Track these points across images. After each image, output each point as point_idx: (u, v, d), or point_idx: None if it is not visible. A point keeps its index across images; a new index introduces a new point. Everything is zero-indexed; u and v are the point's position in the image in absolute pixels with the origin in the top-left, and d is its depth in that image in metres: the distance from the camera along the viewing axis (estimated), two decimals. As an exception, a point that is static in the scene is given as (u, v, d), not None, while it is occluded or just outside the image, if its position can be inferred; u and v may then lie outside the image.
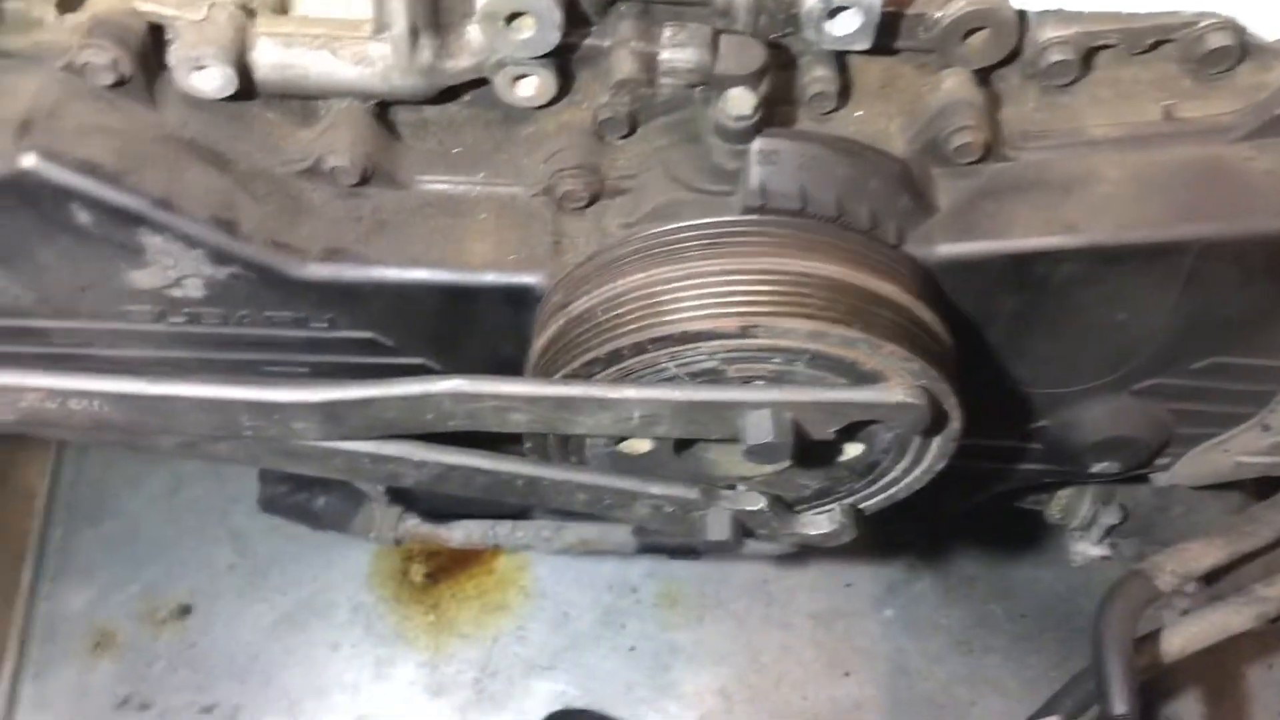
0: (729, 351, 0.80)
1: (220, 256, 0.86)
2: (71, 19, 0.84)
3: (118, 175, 0.82)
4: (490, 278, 0.90)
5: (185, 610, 1.94)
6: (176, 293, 0.90)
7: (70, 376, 0.78)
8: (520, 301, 0.91)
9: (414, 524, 1.25)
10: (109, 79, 0.82)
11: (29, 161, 0.80)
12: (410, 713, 1.88)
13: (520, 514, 1.27)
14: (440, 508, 1.27)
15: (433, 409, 0.80)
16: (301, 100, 0.92)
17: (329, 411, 0.80)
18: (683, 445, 0.90)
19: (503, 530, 1.25)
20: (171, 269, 0.88)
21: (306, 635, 1.94)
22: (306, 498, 1.24)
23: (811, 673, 1.92)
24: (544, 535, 1.24)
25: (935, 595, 1.98)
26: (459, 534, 1.26)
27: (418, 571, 1.99)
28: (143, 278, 0.89)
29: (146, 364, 0.96)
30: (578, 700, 1.88)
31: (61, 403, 0.79)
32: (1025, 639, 1.94)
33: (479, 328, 0.93)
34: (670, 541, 1.26)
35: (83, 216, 0.83)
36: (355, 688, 1.90)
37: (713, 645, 1.93)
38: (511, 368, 0.94)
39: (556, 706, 1.86)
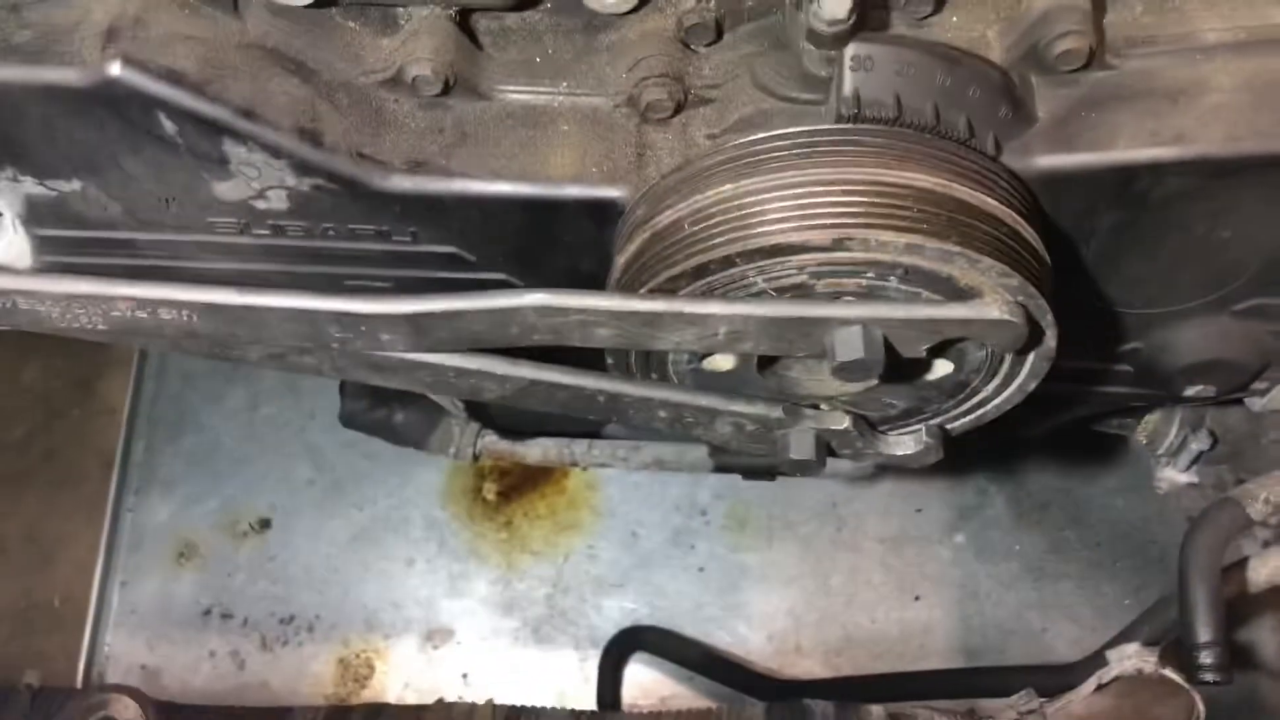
0: (819, 265, 0.78)
1: (304, 168, 0.86)
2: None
3: (202, 84, 0.82)
4: (572, 191, 0.88)
5: (265, 523, 1.99)
6: (260, 205, 0.90)
7: (161, 286, 0.79)
8: (603, 215, 0.89)
9: (491, 440, 1.26)
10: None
11: (115, 69, 0.80)
12: (484, 627, 1.92)
13: (597, 432, 1.27)
14: (517, 425, 1.27)
15: (518, 322, 0.79)
16: (382, 8, 0.90)
17: (416, 323, 0.79)
18: (766, 363, 0.88)
19: (579, 448, 1.25)
20: (255, 180, 0.87)
21: (382, 550, 1.98)
22: (386, 413, 1.25)
23: (880, 596, 1.92)
24: (620, 454, 1.24)
25: (1007, 521, 1.96)
26: (536, 451, 1.27)
27: (490, 489, 2.02)
28: (227, 189, 0.89)
29: (231, 277, 0.96)
30: (647, 618, 1.90)
31: (152, 313, 0.80)
32: (1099, 566, 1.91)
33: (560, 242, 0.92)
34: (746, 462, 1.25)
35: (168, 126, 0.83)
36: (430, 602, 1.94)
37: (781, 567, 1.94)
38: (593, 283, 0.93)
39: (627, 623, 1.88)
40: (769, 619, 1.91)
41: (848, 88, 0.80)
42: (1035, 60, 0.85)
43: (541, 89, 0.91)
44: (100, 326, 0.81)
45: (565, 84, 0.91)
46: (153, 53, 0.81)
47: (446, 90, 0.89)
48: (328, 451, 2.03)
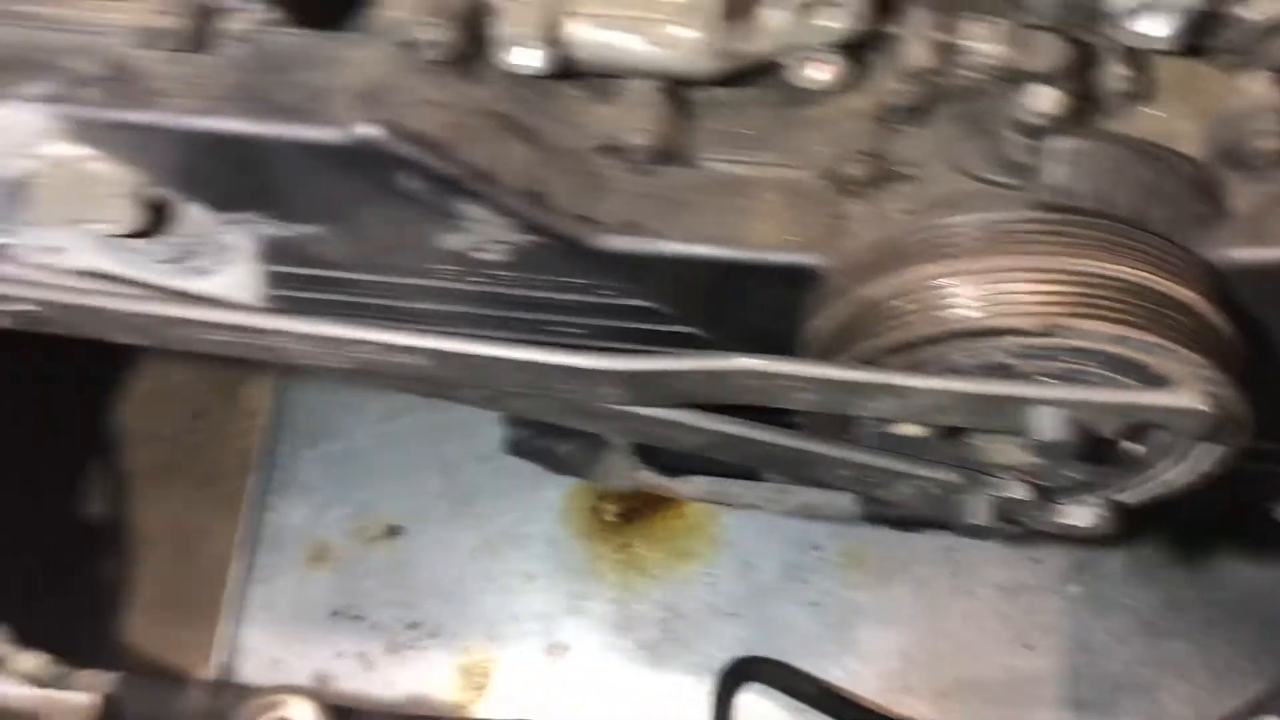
0: (1022, 348, 0.82)
1: (529, 226, 0.92)
2: (403, -2, 0.90)
3: (445, 146, 0.88)
4: (771, 257, 0.93)
5: (395, 531, 2.07)
6: (479, 255, 0.96)
7: (411, 333, 0.85)
8: (798, 281, 0.94)
9: (648, 475, 1.31)
10: (439, 55, 0.88)
11: (368, 131, 0.87)
12: (599, 645, 1.97)
13: (750, 474, 1.32)
14: (674, 462, 1.32)
15: (731, 383, 0.84)
16: (600, 77, 0.97)
17: (636, 379, 0.85)
18: (953, 431, 0.93)
19: (732, 489, 1.30)
20: (479, 234, 0.94)
21: (504, 564, 2.05)
22: (551, 444, 1.31)
23: (992, 642, 1.94)
24: (770, 497, 1.29)
25: (1124, 575, 1.97)
26: (689, 488, 1.32)
27: (609, 511, 2.08)
28: (452, 240, 0.95)
29: (438, 317, 1.03)
30: (760, 648, 1.94)
31: (391, 355, 0.86)
32: (1217, 627, 1.91)
33: (753, 303, 0.97)
34: (895, 513, 1.29)
35: (409, 183, 0.90)
36: (548, 617, 2.01)
37: (895, 607, 1.97)
38: (775, 342, 0.98)
39: (740, 652, 1.92)
40: (880, 657, 1.94)
41: (1053, 178, 0.85)
42: (1232, 156, 0.89)
43: (745, 159, 0.97)
44: (346, 366, 0.88)
45: (768, 155, 0.97)
46: (403, 116, 0.88)
47: (658, 158, 0.95)
48: (458, 465, 2.10)
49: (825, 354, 0.91)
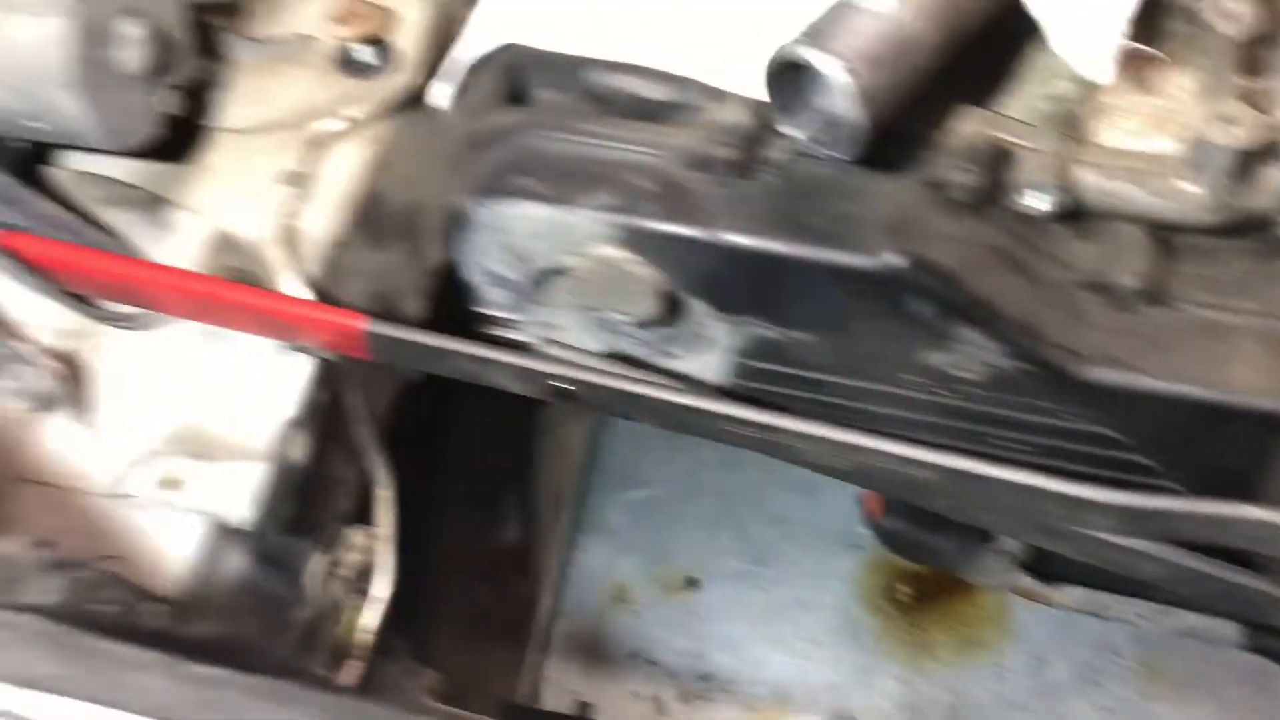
0: None
1: (1019, 353, 0.99)
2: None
3: (960, 277, 0.96)
4: (1256, 403, 0.97)
5: (692, 583, 2.17)
6: (955, 372, 1.04)
7: (923, 448, 0.93)
8: (1276, 428, 0.98)
9: (1025, 579, 1.35)
10: (963, 196, 0.96)
11: (895, 260, 0.95)
12: (887, 722, 2.02)
13: (1129, 590, 1.34)
14: (1055, 570, 1.36)
15: (1232, 531, 0.89)
16: (1092, 218, 1.03)
17: (1131, 514, 0.90)
18: None
19: (1110, 603, 1.33)
20: (966, 355, 1.01)
21: (795, 628, 2.11)
22: (929, 538, 1.37)
23: (1294, 774, 1.89)
24: (1149, 615, 1.31)
25: None
26: (1065, 597, 1.35)
27: (904, 590, 2.12)
28: (935, 357, 1.03)
29: (889, 421, 1.10)
30: (1050, 747, 1.95)
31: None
32: None
33: (1221, 444, 1.01)
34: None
35: (919, 308, 0.98)
36: (836, 687, 2.06)
37: (1195, 725, 1.95)
38: (1235, 483, 1.01)
39: (1030, 748, 1.94)
40: (1174, 772, 1.92)
41: None
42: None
43: (1226, 306, 1.01)
44: (846, 467, 0.96)
45: (1249, 304, 1.01)
46: (925, 247, 0.96)
47: (1140, 298, 1.01)
48: (755, 527, 2.19)
49: (1297, 502, 0.94)
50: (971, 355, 1.01)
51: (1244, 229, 1.00)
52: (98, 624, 0.76)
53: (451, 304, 1.21)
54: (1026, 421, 1.07)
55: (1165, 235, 1.03)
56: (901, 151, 0.99)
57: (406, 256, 1.28)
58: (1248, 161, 0.95)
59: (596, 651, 2.13)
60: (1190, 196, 0.98)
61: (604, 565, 2.20)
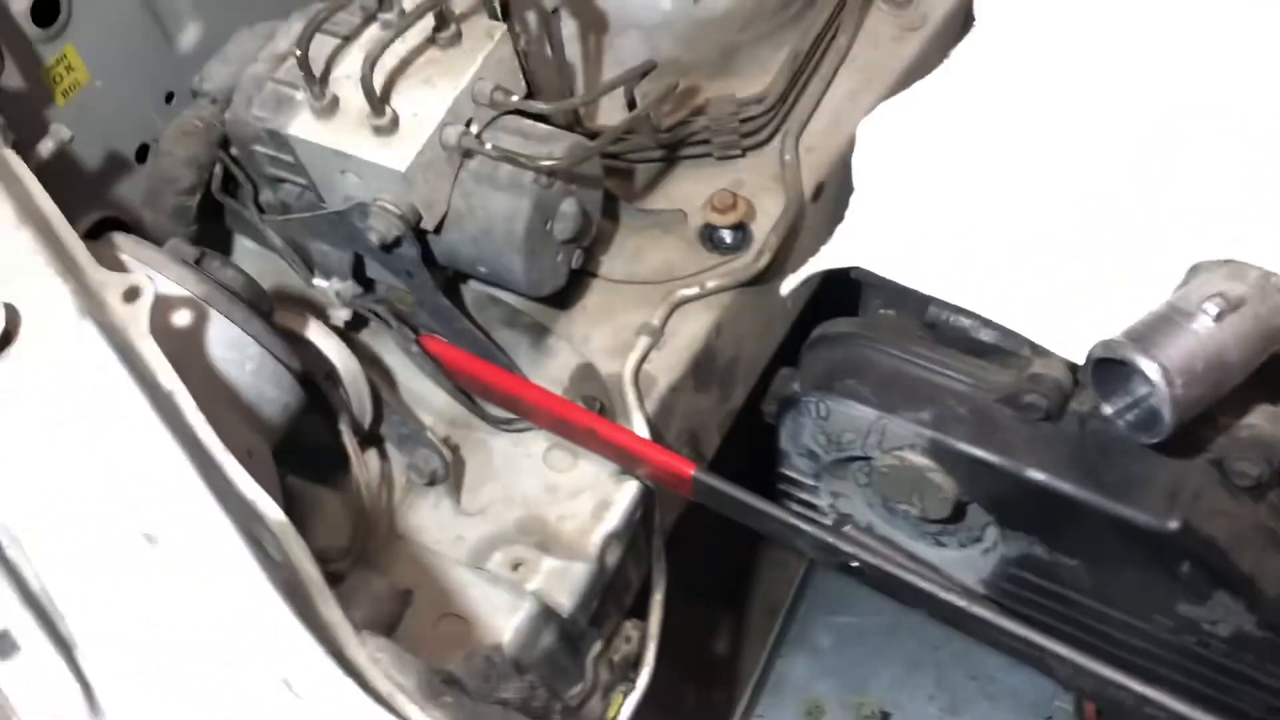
0: None
1: (1268, 624, 1.11)
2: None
3: (1227, 549, 1.09)
4: None
5: (885, 717, 2.29)
6: (1207, 626, 1.16)
7: (1164, 693, 1.05)
8: None
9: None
10: (1247, 482, 1.09)
11: (1173, 524, 1.09)
12: None
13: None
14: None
15: None
16: None
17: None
18: None
19: None
20: (1219, 615, 1.13)
21: (974, 787, 2.20)
22: None
23: None
24: None
25: None
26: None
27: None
28: (1188, 609, 1.16)
29: (1124, 648, 1.23)
30: None
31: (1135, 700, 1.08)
32: None
33: None
34: None
35: (1184, 568, 1.11)
36: None
37: None
38: None
39: None
40: None
41: None
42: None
43: None
44: (1077, 683, 1.10)
45: None
46: (1200, 519, 1.10)
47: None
48: (954, 676, 2.29)
49: None
50: (1224, 616, 1.13)
51: None
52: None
53: (760, 459, 1.41)
54: (1265, 682, 1.18)
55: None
56: (1194, 429, 1.13)
57: (717, 400, 1.50)
58: None
59: (787, 759, 2.27)
60: None
61: (804, 680, 2.34)
